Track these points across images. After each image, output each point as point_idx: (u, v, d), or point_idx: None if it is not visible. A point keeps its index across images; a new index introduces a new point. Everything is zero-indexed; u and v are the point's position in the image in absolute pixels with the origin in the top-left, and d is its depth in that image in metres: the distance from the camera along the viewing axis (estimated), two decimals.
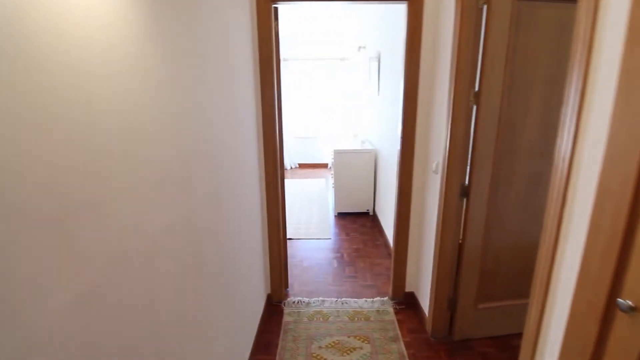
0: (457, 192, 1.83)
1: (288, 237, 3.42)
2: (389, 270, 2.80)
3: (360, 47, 5.06)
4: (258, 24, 1.98)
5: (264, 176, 2.20)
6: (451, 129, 1.75)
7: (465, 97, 1.70)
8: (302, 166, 6.95)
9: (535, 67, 1.68)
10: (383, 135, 3.65)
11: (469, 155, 1.79)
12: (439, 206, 1.90)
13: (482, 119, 1.70)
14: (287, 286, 2.56)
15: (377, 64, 3.84)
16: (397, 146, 2.27)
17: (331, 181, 4.83)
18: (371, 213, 4.18)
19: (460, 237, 1.93)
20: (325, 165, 6.91)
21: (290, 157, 6.80)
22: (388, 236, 3.34)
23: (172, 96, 0.92)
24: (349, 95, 6.26)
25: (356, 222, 3.95)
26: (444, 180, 1.83)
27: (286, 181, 5.70)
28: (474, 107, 1.72)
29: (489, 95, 1.68)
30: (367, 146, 4.23)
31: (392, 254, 2.42)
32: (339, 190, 4.09)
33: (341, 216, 4.13)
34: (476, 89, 1.70)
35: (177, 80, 0.95)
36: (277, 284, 2.40)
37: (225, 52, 1.41)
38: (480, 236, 1.89)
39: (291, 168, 6.84)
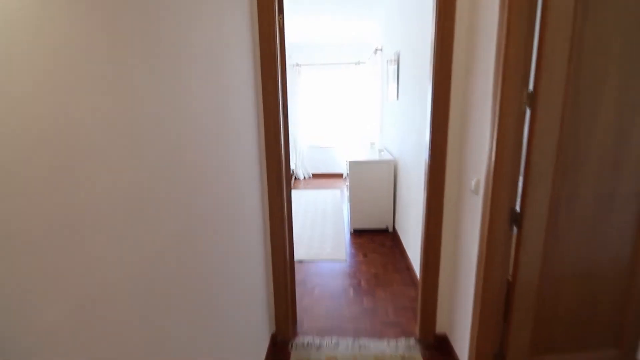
0: (505, 219, 1.45)
1: (299, 259, 3.09)
2: (414, 303, 2.41)
3: (376, 49, 4.74)
4: (259, 18, 1.68)
5: (267, 192, 1.88)
6: (497, 138, 1.38)
7: (516, 98, 1.33)
8: (316, 176, 6.63)
9: (607, 58, 1.30)
10: (403, 144, 3.28)
11: (521, 172, 1.41)
12: (482, 235, 1.53)
13: (538, 125, 1.33)
14: (295, 322, 2.21)
15: (395, 66, 3.50)
16: (423, 156, 1.91)
17: (347, 193, 4.49)
18: (390, 230, 3.80)
19: (510, 274, 1.54)
20: (340, 176, 6.57)
21: (304, 166, 6.51)
22: (411, 258, 2.95)
23: (120, 100, 0.61)
24: (365, 101, 5.93)
25: (374, 240, 3.57)
26: (488, 203, 1.45)
27: (299, 192, 5.42)
28: (527, 111, 1.35)
29: (548, 96, 1.31)
30: (386, 156, 3.87)
31: (420, 287, 2.04)
32: (355, 205, 3.73)
33: (357, 234, 3.76)
34: (530, 88, 1.33)
35: (131, 76, 0.64)
36: (283, 321, 2.05)
37: (208, 45, 1.11)
38: (535, 273, 1.49)
39: (304, 178, 6.54)
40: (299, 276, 2.81)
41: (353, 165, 3.66)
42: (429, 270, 1.95)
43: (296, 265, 2.98)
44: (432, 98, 1.74)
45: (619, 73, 1.31)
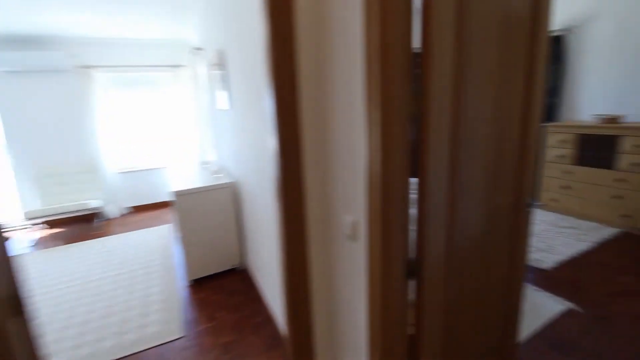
0: (399, 273, 1.02)
1: None
2: None
3: (196, 49, 3.93)
4: None
5: None
6: (382, 161, 0.92)
7: (398, 100, 0.91)
8: (138, 209, 5.18)
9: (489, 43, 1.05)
10: (243, 162, 2.65)
11: (413, 207, 1.01)
12: (372, 297, 1.05)
13: (432, 139, 0.94)
14: None
15: (222, 67, 2.84)
16: (268, 175, 1.33)
17: (177, 233, 3.48)
18: (240, 268, 3.10)
19: (413, 323, 1.13)
20: (168, 205, 5.35)
21: (116, 200, 4.95)
22: (269, 302, 2.35)
23: None
24: (191, 112, 4.99)
25: (222, 288, 2.79)
26: (377, 256, 0.99)
27: (110, 240, 3.92)
28: (414, 120, 0.95)
29: (439, 94, 0.94)
30: (222, 179, 3.14)
31: None
32: (190, 248, 2.84)
33: (198, 284, 2.87)
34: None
35: None
36: None
37: None
38: (440, 322, 1.13)
39: (121, 215, 4.99)
40: None
41: (181, 196, 2.76)
42: (298, 343, 1.38)
43: None
44: (275, 109, 1.17)
45: (495, 69, 1.08)
